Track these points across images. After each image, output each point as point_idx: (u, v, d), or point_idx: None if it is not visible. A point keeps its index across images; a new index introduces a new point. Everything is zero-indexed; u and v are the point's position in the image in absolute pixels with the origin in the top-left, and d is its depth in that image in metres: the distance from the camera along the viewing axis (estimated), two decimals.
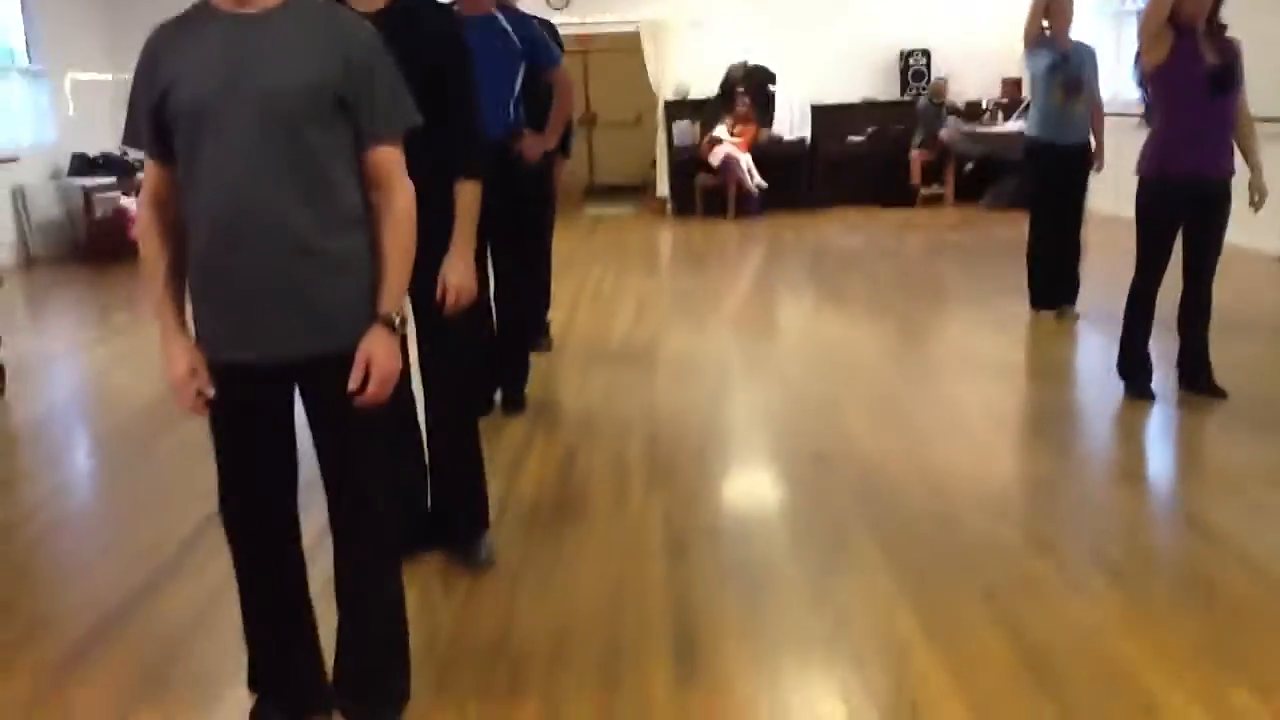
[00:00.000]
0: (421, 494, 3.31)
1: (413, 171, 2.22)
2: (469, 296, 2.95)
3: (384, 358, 2.13)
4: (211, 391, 2.13)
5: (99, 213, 10.28)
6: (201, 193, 2.06)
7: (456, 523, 3.29)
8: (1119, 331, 4.65)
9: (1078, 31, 6.18)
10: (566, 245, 7.77)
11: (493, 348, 4.73)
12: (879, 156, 11.76)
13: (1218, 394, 4.51)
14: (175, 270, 2.17)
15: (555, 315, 6.28)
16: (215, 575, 3.04)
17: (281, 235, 2.05)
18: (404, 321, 2.22)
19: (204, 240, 2.08)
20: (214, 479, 2.24)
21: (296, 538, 2.34)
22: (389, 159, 2.17)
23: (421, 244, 2.25)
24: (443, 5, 3.21)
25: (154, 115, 2.08)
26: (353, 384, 2.10)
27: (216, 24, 2.06)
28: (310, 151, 2.06)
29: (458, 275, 2.91)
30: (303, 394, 2.23)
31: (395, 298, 2.18)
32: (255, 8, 2.06)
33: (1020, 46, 6.21)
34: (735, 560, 3.26)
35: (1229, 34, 4.36)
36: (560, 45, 5.43)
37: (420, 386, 3.20)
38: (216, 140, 2.02)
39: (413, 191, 2.20)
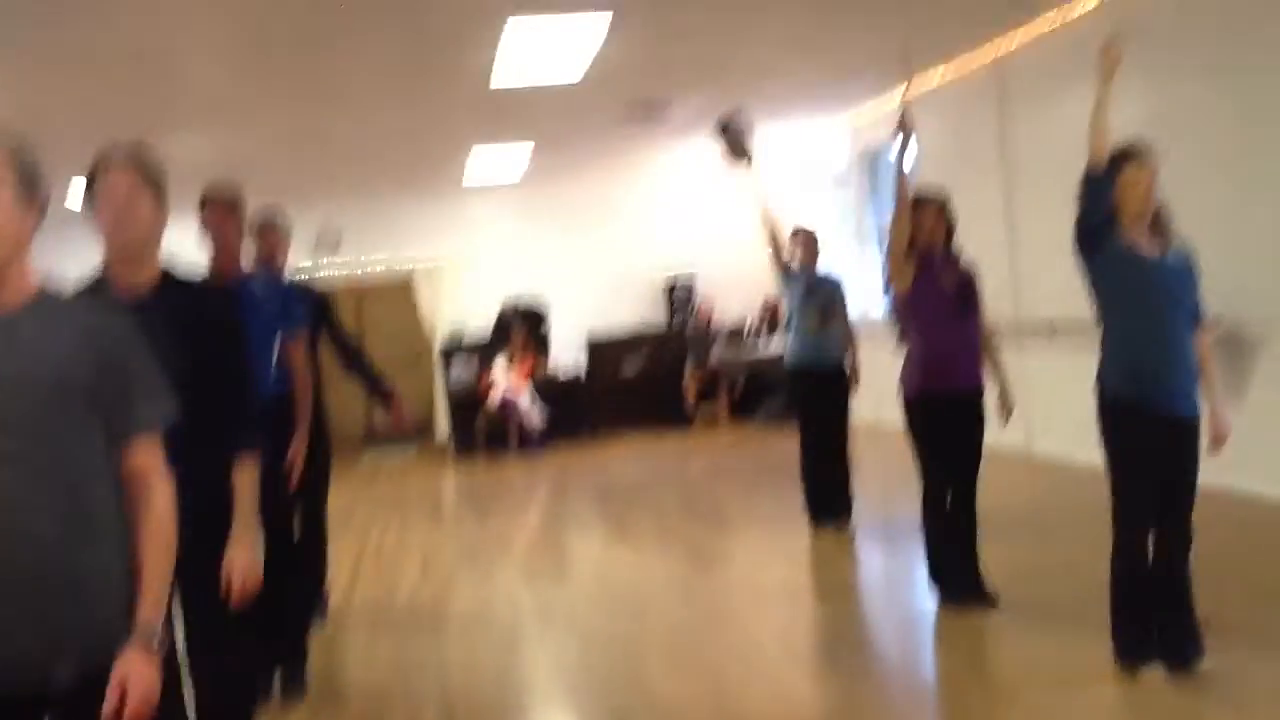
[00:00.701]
0: None
1: (182, 451, 2.13)
2: (256, 583, 2.80)
3: (140, 679, 1.95)
4: None
5: None
6: None
7: None
8: (897, 543, 4.81)
9: (825, 255, 6.66)
10: (344, 498, 7.52)
11: (266, 628, 4.44)
12: (655, 382, 12.15)
13: (991, 600, 4.67)
14: None
15: (335, 579, 6.00)
16: None
17: (23, 546, 1.89)
18: (167, 635, 2.06)
19: None
20: None
21: None
22: (145, 457, 2.07)
23: (192, 527, 2.14)
24: (209, 283, 3.17)
25: None
26: (107, 708, 1.91)
27: None
28: (58, 453, 1.94)
29: (243, 561, 2.76)
30: None
31: (153, 608, 2.03)
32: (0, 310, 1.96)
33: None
34: None
35: (964, 260, 4.78)
36: (322, 306, 5.35)
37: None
38: None
39: (171, 491, 2.10)
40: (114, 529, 2.02)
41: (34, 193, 2.00)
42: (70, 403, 1.95)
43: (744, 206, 6.41)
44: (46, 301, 2.02)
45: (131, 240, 2.70)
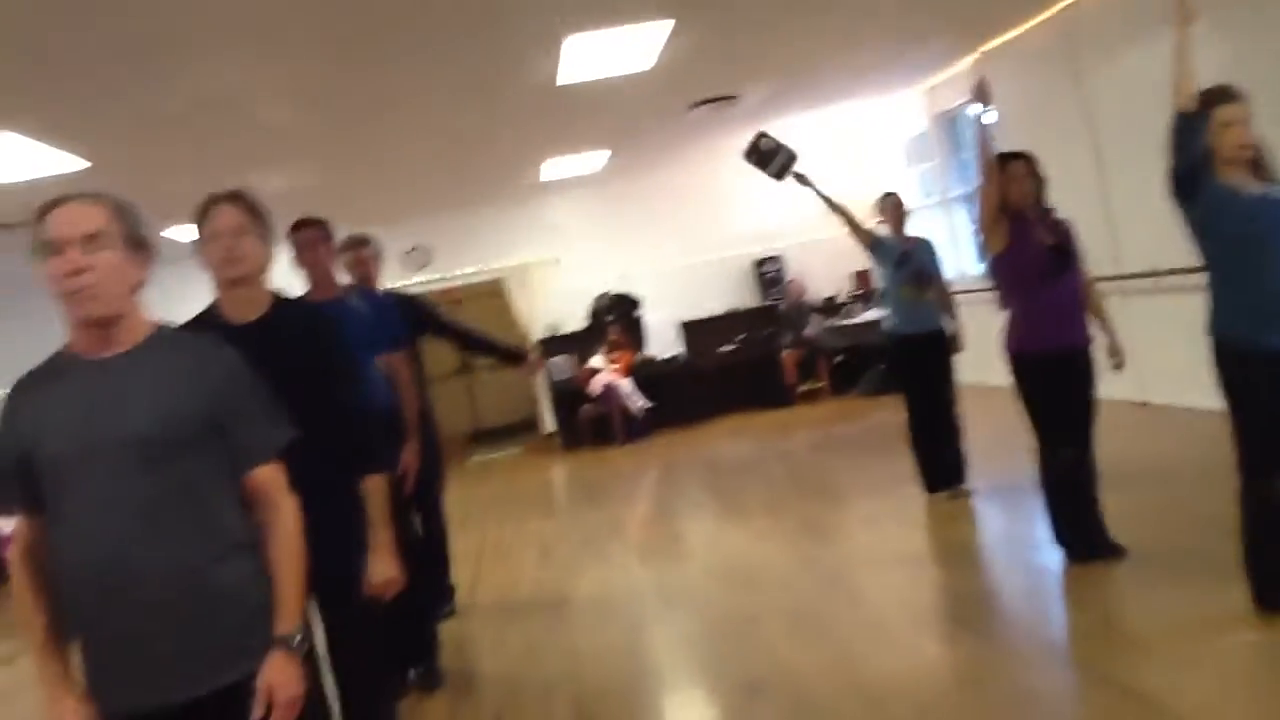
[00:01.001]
0: None
1: (306, 467, 2.23)
2: (397, 588, 2.94)
3: (285, 684, 2.07)
4: None
5: None
6: (71, 549, 2.02)
7: None
8: (1015, 503, 4.75)
9: (912, 224, 6.60)
10: (459, 497, 7.68)
11: (399, 625, 4.59)
12: (752, 362, 12.14)
13: (1118, 552, 4.61)
14: (58, 625, 2.09)
15: (459, 575, 6.14)
16: None
17: (162, 576, 2.01)
18: (306, 637, 2.18)
19: (81, 596, 2.03)
20: None
21: None
22: (268, 478, 2.18)
23: (323, 533, 2.24)
24: (316, 306, 3.28)
25: (18, 471, 2.05)
26: (257, 711, 2.03)
27: (76, 372, 2.07)
28: (185, 485, 2.05)
29: (383, 573, 2.90)
30: None
31: (291, 616, 2.14)
32: (112, 352, 2.08)
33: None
34: None
35: (1058, 215, 4.70)
36: (421, 316, 5.48)
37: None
38: (81, 494, 2.01)
39: (297, 507, 2.21)
40: (244, 544, 2.14)
41: (140, 246, 2.12)
42: (190, 432, 2.07)
43: (813, 200, 6.45)
44: (161, 340, 2.14)
45: (241, 274, 2.84)
